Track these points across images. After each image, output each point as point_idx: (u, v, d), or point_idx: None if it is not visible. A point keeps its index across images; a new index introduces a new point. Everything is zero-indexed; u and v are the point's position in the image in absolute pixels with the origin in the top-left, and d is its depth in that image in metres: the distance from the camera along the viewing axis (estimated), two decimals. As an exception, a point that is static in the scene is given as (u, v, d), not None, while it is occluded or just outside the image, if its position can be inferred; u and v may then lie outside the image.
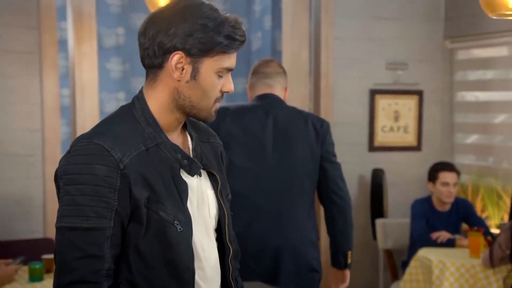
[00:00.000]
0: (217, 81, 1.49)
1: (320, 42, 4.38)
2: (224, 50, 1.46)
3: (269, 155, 2.61)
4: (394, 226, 4.23)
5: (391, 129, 4.59)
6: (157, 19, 1.47)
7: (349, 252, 2.74)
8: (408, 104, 4.61)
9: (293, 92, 4.42)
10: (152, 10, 3.93)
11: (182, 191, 1.48)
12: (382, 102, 4.56)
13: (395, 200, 4.52)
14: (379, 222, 4.23)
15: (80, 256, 1.36)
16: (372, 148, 4.55)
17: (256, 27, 6.86)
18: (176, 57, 1.46)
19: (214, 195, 1.58)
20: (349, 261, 2.74)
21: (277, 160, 2.61)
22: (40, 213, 3.78)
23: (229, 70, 1.50)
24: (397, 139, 4.61)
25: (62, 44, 4.47)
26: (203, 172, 1.57)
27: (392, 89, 4.57)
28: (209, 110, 1.51)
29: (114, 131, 1.45)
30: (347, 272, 2.78)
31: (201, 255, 1.52)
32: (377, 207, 4.38)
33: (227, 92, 1.51)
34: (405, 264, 3.89)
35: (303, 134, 2.65)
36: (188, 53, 1.45)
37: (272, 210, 2.59)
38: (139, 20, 6.43)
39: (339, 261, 2.73)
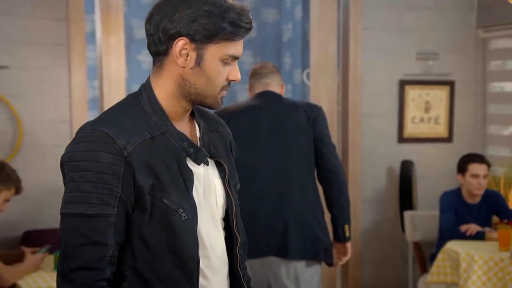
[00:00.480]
0: (222, 68, 1.47)
1: (349, 33, 4.33)
2: (229, 36, 1.45)
3: (266, 144, 2.86)
4: (422, 218, 4.17)
5: (421, 120, 4.52)
6: (162, 6, 1.47)
7: (346, 226, 2.93)
8: (439, 95, 4.53)
9: (320, 84, 4.39)
10: None
11: (187, 179, 1.47)
12: (412, 93, 4.49)
13: (424, 193, 4.46)
14: (407, 214, 4.17)
15: (84, 242, 1.37)
16: (402, 139, 4.49)
17: (287, 18, 6.82)
18: (180, 43, 1.45)
19: (222, 185, 1.57)
20: (347, 234, 2.93)
21: (274, 148, 2.86)
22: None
23: (235, 58, 1.49)
24: (428, 130, 4.54)
25: (92, 36, 4.52)
26: (211, 162, 1.55)
27: (422, 79, 4.49)
28: (214, 97, 1.50)
29: (120, 119, 1.44)
30: (348, 245, 2.97)
31: (207, 244, 1.51)
32: (406, 200, 4.32)
33: (234, 80, 1.50)
34: (433, 257, 3.84)
35: (296, 121, 2.89)
36: (192, 39, 1.44)
37: (275, 193, 2.82)
38: (170, 13, 6.46)
39: (338, 234, 2.93)
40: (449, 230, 3.72)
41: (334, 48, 4.39)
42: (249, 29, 1.49)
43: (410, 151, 4.48)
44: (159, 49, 1.48)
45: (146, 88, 1.51)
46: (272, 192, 2.83)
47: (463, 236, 3.66)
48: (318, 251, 2.85)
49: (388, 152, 4.47)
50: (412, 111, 4.50)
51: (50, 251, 3.14)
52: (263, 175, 2.83)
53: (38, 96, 3.78)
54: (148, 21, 1.48)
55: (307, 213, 2.84)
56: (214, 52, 1.46)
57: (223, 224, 1.59)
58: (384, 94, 4.45)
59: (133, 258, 1.44)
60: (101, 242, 1.38)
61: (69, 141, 3.93)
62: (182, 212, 1.44)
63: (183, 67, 1.47)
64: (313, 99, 4.46)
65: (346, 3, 4.37)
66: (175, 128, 1.49)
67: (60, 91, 3.82)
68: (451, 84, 4.52)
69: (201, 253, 1.49)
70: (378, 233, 4.46)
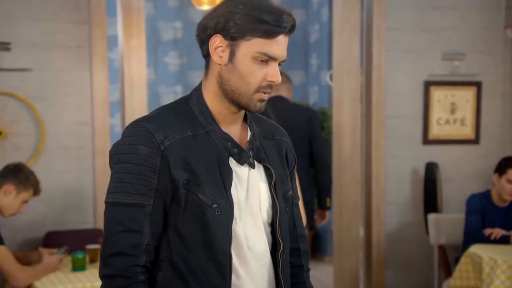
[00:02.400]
0: (255, 66, 1.47)
1: (372, 34, 4.29)
2: (260, 34, 1.46)
3: None
4: (447, 221, 4.09)
5: (447, 121, 4.44)
6: (210, 10, 1.53)
7: (328, 198, 4.10)
8: (465, 96, 4.45)
9: (343, 85, 4.35)
10: (196, 5, 3.96)
11: (226, 177, 1.50)
12: (438, 94, 4.42)
13: (450, 196, 4.38)
14: (431, 217, 4.10)
15: (121, 230, 1.44)
16: (427, 141, 4.41)
17: (314, 19, 6.79)
18: (214, 40, 1.49)
19: (268, 189, 1.58)
20: (328, 204, 4.11)
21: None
22: (90, 205, 3.87)
23: (271, 58, 1.48)
24: (453, 132, 4.45)
25: (115, 39, 4.56)
26: (259, 166, 1.57)
27: (448, 80, 4.41)
28: (249, 96, 1.50)
29: (163, 117, 1.51)
30: (327, 213, 4.17)
31: (244, 244, 1.53)
32: (431, 202, 4.25)
33: (272, 82, 1.48)
34: (458, 261, 3.76)
35: (297, 120, 3.88)
36: (225, 35, 1.47)
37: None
38: (196, 14, 6.49)
39: (321, 204, 4.11)
40: (473, 234, 3.65)
41: (357, 49, 4.34)
42: (284, 29, 1.47)
43: (435, 153, 4.41)
44: (204, 50, 1.53)
45: (197, 91, 1.56)
46: None
47: (487, 240, 3.58)
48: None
49: (412, 154, 4.40)
50: (437, 112, 4.42)
51: (68, 252, 3.16)
52: None
53: (61, 98, 3.83)
54: (198, 25, 1.54)
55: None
56: (246, 48, 1.47)
57: (269, 228, 1.59)
58: (409, 95, 4.38)
59: (169, 249, 1.49)
60: (137, 230, 1.45)
61: (91, 143, 3.99)
62: (216, 208, 1.47)
63: (219, 64, 1.50)
64: (335, 100, 4.42)
65: (369, 3, 4.32)
66: (220, 129, 1.52)
67: (82, 93, 3.86)
68: (478, 85, 4.43)
69: (235, 251, 1.51)
70: (403, 236, 4.40)
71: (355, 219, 4.38)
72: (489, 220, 3.74)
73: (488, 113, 4.46)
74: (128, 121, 3.88)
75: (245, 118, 1.59)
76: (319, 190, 4.08)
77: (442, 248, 4.09)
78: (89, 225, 3.85)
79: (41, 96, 3.78)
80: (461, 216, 4.02)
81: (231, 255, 1.49)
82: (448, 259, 4.12)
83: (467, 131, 4.47)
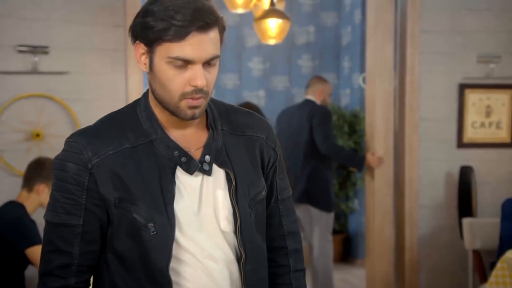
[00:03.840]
0: (172, 72, 1.35)
1: (406, 36, 4.26)
2: (168, 37, 1.32)
3: (291, 134, 4.60)
4: (482, 226, 4.04)
5: (482, 125, 4.39)
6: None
7: (352, 168, 5.02)
8: (501, 99, 4.39)
9: (376, 88, 4.33)
10: (231, 8, 4.00)
11: (167, 191, 1.39)
12: (473, 97, 4.37)
13: (485, 200, 4.32)
14: (466, 221, 4.06)
15: (51, 249, 1.41)
16: (461, 144, 4.37)
17: (346, 21, 6.77)
18: (137, 47, 1.39)
19: (227, 196, 1.46)
20: (355, 170, 5.45)
21: (294, 136, 4.58)
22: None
23: (186, 61, 1.34)
24: (489, 135, 4.40)
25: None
26: (218, 170, 1.46)
27: (483, 83, 4.36)
28: (175, 104, 1.38)
29: (102, 128, 1.43)
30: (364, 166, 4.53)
31: (199, 256, 1.43)
32: (465, 206, 4.20)
33: (195, 86, 1.35)
34: (493, 266, 3.71)
35: (304, 118, 4.54)
36: (143, 41, 1.37)
37: (295, 164, 4.54)
38: (229, 17, 6.53)
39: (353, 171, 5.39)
40: (509, 239, 3.59)
41: (391, 51, 4.32)
42: (191, 27, 1.32)
43: (469, 157, 4.36)
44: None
45: (145, 96, 1.47)
46: (293, 164, 4.53)
47: (523, 245, 3.53)
48: (300, 196, 4.47)
49: (446, 158, 4.36)
50: (472, 115, 4.38)
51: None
52: (287, 153, 4.43)
53: (96, 100, 3.88)
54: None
55: (307, 174, 4.52)
56: (159, 54, 1.35)
57: (233, 236, 1.47)
58: (443, 98, 4.34)
59: (108, 270, 1.43)
60: (66, 250, 1.40)
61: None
62: (152, 226, 1.38)
63: (147, 73, 1.41)
64: (368, 102, 4.41)
65: (403, 5, 4.29)
66: (167, 136, 1.42)
67: (117, 95, 3.91)
68: (514, 87, 4.37)
69: (185, 267, 1.42)
70: (436, 239, 4.36)
71: (387, 222, 4.36)
72: (525, 225, 3.68)
73: (524, 116, 4.39)
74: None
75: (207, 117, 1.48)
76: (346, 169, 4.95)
77: (477, 253, 4.04)
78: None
79: (77, 98, 3.84)
80: (496, 220, 3.96)
81: (169, 276, 1.39)
82: (483, 264, 4.06)
83: (503, 135, 4.41)
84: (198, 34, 1.33)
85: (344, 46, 6.82)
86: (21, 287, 3.07)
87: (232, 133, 1.50)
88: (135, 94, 3.91)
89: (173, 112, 1.40)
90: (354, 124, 6.43)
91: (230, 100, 4.79)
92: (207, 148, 1.45)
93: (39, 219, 3.21)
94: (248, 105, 5.14)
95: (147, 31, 1.34)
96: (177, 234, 1.41)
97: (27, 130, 3.73)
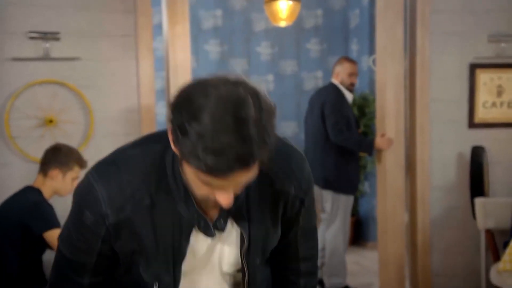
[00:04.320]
0: (201, 185, 1.26)
1: (416, 16, 4.24)
2: (196, 167, 1.20)
3: (313, 119, 4.88)
4: (495, 205, 4.04)
5: (494, 104, 4.38)
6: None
7: (362, 153, 4.80)
8: (512, 78, 4.37)
9: (387, 69, 4.31)
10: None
11: (179, 251, 1.39)
12: (484, 77, 4.35)
13: (497, 179, 4.33)
14: (478, 201, 4.06)
15: (61, 274, 1.46)
16: (472, 125, 4.36)
17: (354, 4, 6.74)
18: (170, 133, 1.26)
19: (238, 253, 1.45)
20: (366, 155, 5.29)
21: (315, 120, 4.83)
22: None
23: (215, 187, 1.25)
24: (500, 115, 4.39)
25: (160, 27, 4.61)
26: (234, 227, 1.43)
27: (495, 62, 4.35)
28: (200, 199, 1.35)
29: (126, 172, 1.36)
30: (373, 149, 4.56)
31: None
32: (477, 186, 4.20)
33: (221, 205, 1.29)
34: (506, 245, 3.72)
35: (319, 104, 4.75)
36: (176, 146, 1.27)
37: (311, 148, 4.83)
38: (236, 2, 6.51)
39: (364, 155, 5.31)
40: (522, 217, 3.60)
41: (401, 32, 4.30)
42: (225, 173, 1.18)
43: (481, 137, 4.35)
44: None
45: (174, 154, 1.36)
46: (309, 142, 4.90)
47: (537, 224, 3.53)
48: (317, 180, 4.66)
49: (458, 138, 4.35)
50: (483, 95, 4.36)
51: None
52: (308, 139, 4.90)
53: (108, 86, 3.89)
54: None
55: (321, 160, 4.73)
56: (192, 169, 1.24)
57: (230, 276, 1.50)
58: (454, 78, 4.33)
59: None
60: (76, 281, 1.44)
61: (138, 130, 4.04)
62: (156, 285, 1.41)
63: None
64: (379, 84, 4.40)
65: (413, -14, 4.27)
66: (190, 199, 1.36)
67: (129, 81, 3.92)
68: (525, 67, 4.35)
69: None
70: (448, 220, 4.37)
71: (399, 204, 4.36)
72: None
73: (535, 95, 4.37)
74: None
75: None
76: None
77: (489, 233, 4.05)
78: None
79: (89, 85, 3.85)
80: (509, 200, 3.97)
81: None
82: (496, 243, 4.07)
83: (514, 114, 4.40)
84: (237, 173, 1.20)
85: (352, 29, 6.80)
86: (39, 272, 3.10)
87: (259, 182, 1.38)
88: (147, 79, 3.92)
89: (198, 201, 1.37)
90: (363, 107, 6.42)
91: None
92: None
93: (54, 203, 3.25)
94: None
95: (183, 148, 1.19)
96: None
97: (41, 116, 3.75)
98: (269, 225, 1.44)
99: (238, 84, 1.19)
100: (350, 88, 4.70)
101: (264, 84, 6.58)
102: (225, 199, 1.25)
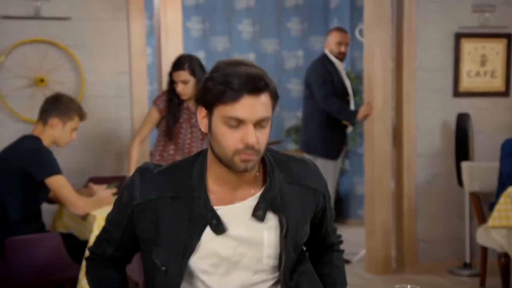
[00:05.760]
0: (227, 130, 1.51)
1: (403, -15, 4.30)
2: (223, 99, 1.49)
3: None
4: (481, 169, 4.13)
5: (477, 74, 4.46)
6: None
7: (344, 121, 4.66)
8: (496, 48, 4.47)
9: (374, 37, 4.37)
10: None
11: (189, 245, 1.57)
12: (468, 46, 4.44)
13: (481, 147, 4.42)
14: (465, 165, 4.14)
15: (98, 238, 1.73)
16: (457, 93, 4.44)
17: (335, -16, 6.78)
18: (200, 111, 1.57)
19: (277, 238, 1.61)
20: (348, 124, 4.72)
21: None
22: (127, 152, 3.90)
23: (239, 120, 1.50)
24: (484, 84, 4.48)
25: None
26: (272, 216, 1.60)
27: (479, 32, 4.43)
28: (229, 160, 1.53)
29: (163, 172, 1.61)
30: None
31: None
32: (463, 152, 4.28)
33: (246, 144, 1.50)
34: (493, 206, 3.80)
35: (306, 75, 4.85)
36: (204, 105, 1.55)
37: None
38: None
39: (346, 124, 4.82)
40: (510, 176, 3.68)
41: (388, 1, 4.35)
42: (243, 91, 1.48)
43: (465, 106, 4.44)
44: None
45: (205, 153, 1.63)
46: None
47: (524, 182, 3.61)
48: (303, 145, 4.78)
49: (443, 107, 4.43)
50: (467, 64, 4.45)
51: (118, 188, 3.21)
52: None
53: (99, 47, 3.86)
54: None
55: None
56: (217, 115, 1.51)
57: (277, 270, 1.65)
58: (439, 47, 4.41)
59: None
60: (104, 247, 1.71)
61: (128, 92, 4.00)
62: (164, 269, 1.58)
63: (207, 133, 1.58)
64: (366, 53, 4.45)
65: (400, -45, 4.33)
66: (207, 197, 1.58)
67: (119, 42, 3.89)
68: (508, 37, 4.45)
69: None
70: (433, 187, 4.44)
71: (386, 170, 4.42)
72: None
73: (518, 65, 4.47)
74: (164, 70, 3.90)
75: (266, 166, 1.62)
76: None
77: (475, 195, 4.12)
78: (126, 172, 3.89)
79: (79, 45, 3.81)
80: (493, 164, 4.05)
81: None
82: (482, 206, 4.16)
83: (497, 84, 4.50)
84: (250, 97, 1.49)
85: (332, 9, 6.84)
86: (38, 219, 3.07)
87: (287, 181, 1.64)
88: (138, 41, 3.90)
89: (228, 166, 1.54)
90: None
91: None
92: (264, 195, 1.60)
93: (54, 151, 3.20)
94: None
95: (207, 94, 1.51)
96: (186, 277, 1.61)
97: (31, 76, 3.69)
98: (300, 216, 1.64)
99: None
100: (340, 56, 4.69)
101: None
102: (250, 135, 1.49)
